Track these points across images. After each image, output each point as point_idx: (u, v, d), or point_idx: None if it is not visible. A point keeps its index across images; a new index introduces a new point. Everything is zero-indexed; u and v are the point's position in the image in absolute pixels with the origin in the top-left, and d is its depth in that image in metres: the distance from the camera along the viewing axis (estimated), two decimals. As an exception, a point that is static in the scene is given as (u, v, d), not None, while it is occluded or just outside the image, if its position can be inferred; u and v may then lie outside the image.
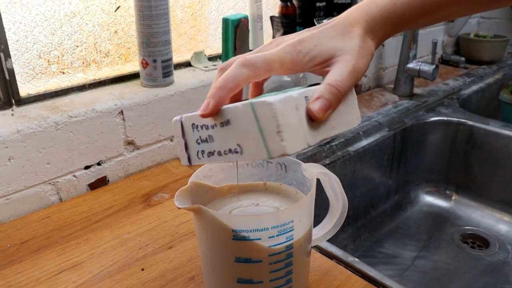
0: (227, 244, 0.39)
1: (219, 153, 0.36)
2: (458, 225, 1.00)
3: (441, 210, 1.04)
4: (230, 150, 0.35)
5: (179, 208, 0.40)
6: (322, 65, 0.35)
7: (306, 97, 0.34)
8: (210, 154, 0.36)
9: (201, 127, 0.36)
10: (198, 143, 0.37)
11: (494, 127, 0.98)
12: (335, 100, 0.33)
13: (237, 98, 0.40)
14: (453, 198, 1.05)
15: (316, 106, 0.32)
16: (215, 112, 0.34)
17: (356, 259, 0.53)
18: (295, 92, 0.34)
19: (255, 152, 0.33)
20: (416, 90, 1.14)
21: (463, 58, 1.39)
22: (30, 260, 0.54)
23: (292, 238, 0.40)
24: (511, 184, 0.97)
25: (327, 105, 0.33)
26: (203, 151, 0.37)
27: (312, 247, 0.53)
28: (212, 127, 0.35)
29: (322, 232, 0.49)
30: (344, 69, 0.34)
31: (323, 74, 0.36)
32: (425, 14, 0.38)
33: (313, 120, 0.33)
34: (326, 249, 0.55)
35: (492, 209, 1.01)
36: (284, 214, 0.40)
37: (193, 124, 0.37)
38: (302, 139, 0.33)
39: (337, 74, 0.34)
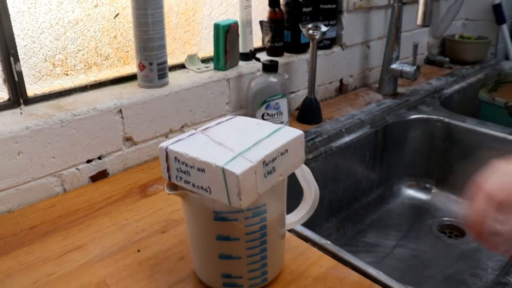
0: (209, 224, 0.46)
1: (193, 185, 0.45)
2: (437, 216, 1.07)
3: (422, 202, 1.11)
4: (202, 187, 0.44)
5: (168, 194, 0.46)
6: None
7: (264, 161, 0.43)
8: (186, 182, 0.45)
9: (182, 163, 0.44)
10: (178, 171, 0.45)
11: (470, 124, 1.04)
12: None
13: None
14: (433, 191, 1.12)
15: None
16: None
17: (328, 242, 0.59)
18: (259, 151, 0.44)
19: (219, 197, 0.43)
20: (400, 89, 1.20)
21: (447, 59, 1.45)
22: (38, 243, 0.61)
23: (266, 220, 0.47)
24: (486, 178, 1.04)
25: None
26: (180, 178, 0.46)
27: (288, 230, 0.60)
28: (191, 167, 0.44)
29: (296, 218, 0.55)
30: None
31: None
32: None
33: None
34: (302, 233, 0.61)
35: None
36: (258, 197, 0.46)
37: (175, 157, 0.45)
38: (254, 194, 0.43)
39: None
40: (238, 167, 0.41)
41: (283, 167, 0.46)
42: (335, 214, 1.00)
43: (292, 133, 0.47)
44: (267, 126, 0.49)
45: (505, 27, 1.56)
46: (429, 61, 1.49)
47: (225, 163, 0.41)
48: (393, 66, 1.13)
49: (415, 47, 1.08)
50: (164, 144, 0.46)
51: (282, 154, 0.45)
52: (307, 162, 0.86)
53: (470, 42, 1.47)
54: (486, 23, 1.59)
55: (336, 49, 1.14)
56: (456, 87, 1.30)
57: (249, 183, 0.41)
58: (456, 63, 1.47)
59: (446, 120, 1.07)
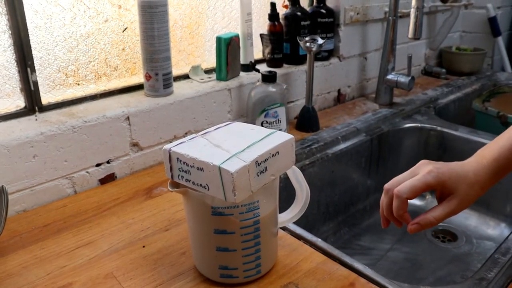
0: (208, 219, 0.51)
1: (193, 183, 0.50)
2: (431, 221, 1.10)
3: (417, 208, 1.14)
4: (200, 185, 0.49)
5: (171, 191, 0.51)
6: (441, 193, 0.53)
7: (256, 161, 0.48)
8: (187, 180, 0.50)
9: (183, 163, 0.49)
10: (180, 171, 0.50)
11: (462, 133, 1.08)
12: (427, 227, 0.52)
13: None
14: (427, 197, 1.16)
15: (412, 227, 0.53)
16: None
17: (319, 239, 0.64)
18: (252, 152, 0.49)
19: (216, 194, 0.48)
20: (396, 99, 1.24)
21: (444, 70, 1.50)
22: (51, 239, 0.66)
23: (259, 215, 0.51)
24: (478, 185, 1.08)
25: (419, 229, 0.52)
26: (182, 176, 0.51)
27: (282, 229, 0.64)
28: (191, 167, 0.49)
29: (289, 216, 0.60)
30: (444, 211, 0.52)
31: (437, 195, 0.54)
32: None
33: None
34: (295, 232, 0.66)
35: (462, 207, 1.11)
36: (252, 194, 0.51)
37: (178, 158, 0.50)
38: (248, 190, 0.48)
39: (439, 213, 0.52)
40: (233, 166, 0.45)
41: (275, 167, 0.50)
42: (332, 218, 1.04)
43: (283, 137, 0.52)
44: (261, 131, 0.54)
45: (500, 40, 1.60)
46: (426, 72, 1.54)
47: (221, 163, 0.46)
48: (389, 76, 1.18)
49: (409, 58, 1.13)
50: (167, 146, 0.51)
51: (273, 155, 0.50)
52: (304, 167, 0.91)
53: (466, 53, 1.52)
54: (483, 35, 1.64)
55: (333, 60, 1.19)
56: (452, 97, 1.34)
57: (242, 180, 0.46)
58: (452, 74, 1.51)
59: (439, 128, 1.11)
